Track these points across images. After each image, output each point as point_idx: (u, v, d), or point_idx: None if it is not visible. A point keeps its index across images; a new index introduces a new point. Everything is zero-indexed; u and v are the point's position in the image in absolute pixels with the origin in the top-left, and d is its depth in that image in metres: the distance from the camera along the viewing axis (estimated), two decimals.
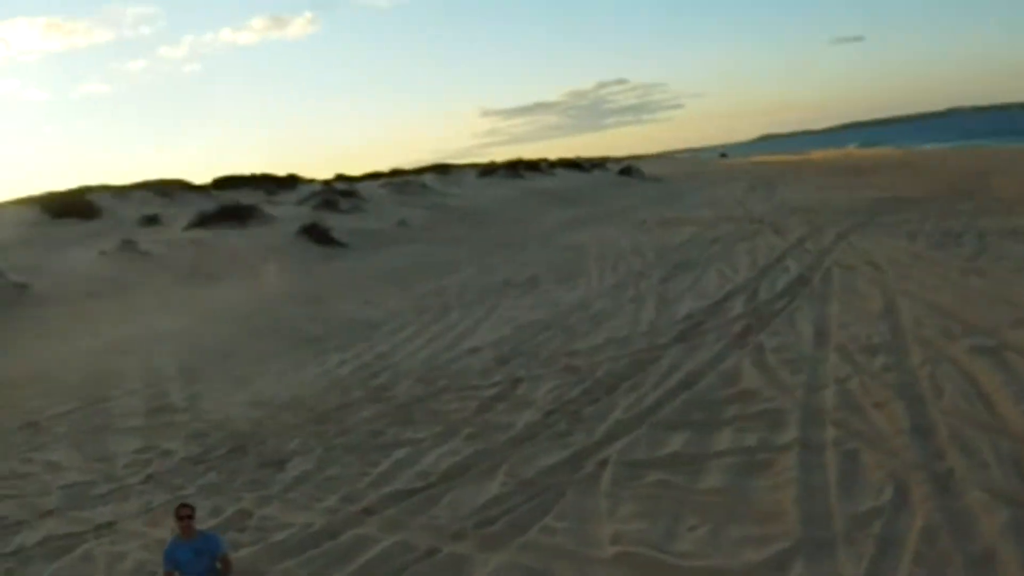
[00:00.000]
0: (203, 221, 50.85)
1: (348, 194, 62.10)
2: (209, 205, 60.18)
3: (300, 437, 17.32)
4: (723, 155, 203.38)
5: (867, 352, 17.48)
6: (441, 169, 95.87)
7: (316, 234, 47.65)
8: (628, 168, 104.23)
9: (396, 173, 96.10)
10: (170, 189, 69.99)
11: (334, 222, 52.64)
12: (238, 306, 34.84)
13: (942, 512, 10.77)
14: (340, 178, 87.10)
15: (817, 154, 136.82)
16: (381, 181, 77.96)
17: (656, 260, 33.69)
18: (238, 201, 58.51)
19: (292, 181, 78.68)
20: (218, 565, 9.74)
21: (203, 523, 12.99)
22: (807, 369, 16.97)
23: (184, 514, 9.58)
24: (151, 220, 57.22)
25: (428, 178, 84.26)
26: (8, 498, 15.65)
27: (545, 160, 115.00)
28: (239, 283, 40.25)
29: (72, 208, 58.57)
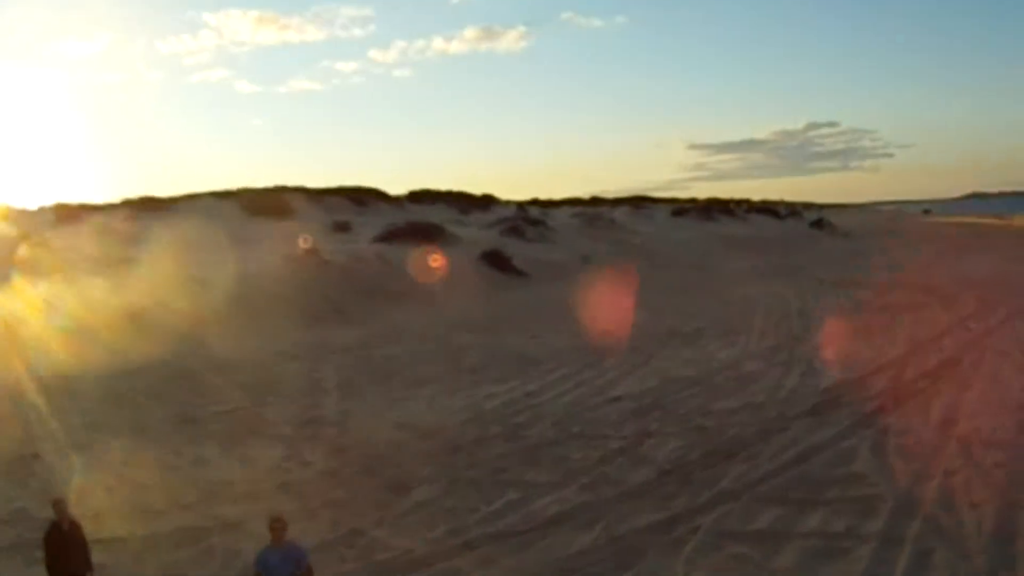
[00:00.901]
0: (390, 236, 53.07)
1: (537, 222, 63.68)
2: (400, 218, 62.68)
3: (431, 465, 18.62)
4: (926, 211, 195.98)
5: (986, 446, 17.55)
6: (637, 202, 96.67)
7: (498, 261, 49.24)
8: (820, 220, 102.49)
9: (594, 201, 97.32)
10: (365, 197, 73.03)
11: (518, 250, 54.15)
12: (410, 327, 36.74)
13: None
14: (535, 202, 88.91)
15: (1021, 219, 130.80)
16: (574, 210, 79.27)
17: (818, 324, 33.66)
18: (429, 218, 60.82)
19: (487, 201, 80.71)
20: (300, 573, 11.05)
21: (319, 536, 14.52)
22: (920, 458, 17.16)
23: (277, 526, 10.96)
24: (342, 227, 59.97)
25: (620, 212, 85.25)
26: (155, 487, 17.51)
27: (745, 201, 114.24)
28: (415, 304, 42.17)
29: (268, 208, 61.97)
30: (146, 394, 24.64)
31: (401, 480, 17.79)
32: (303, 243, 27.82)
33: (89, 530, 11.95)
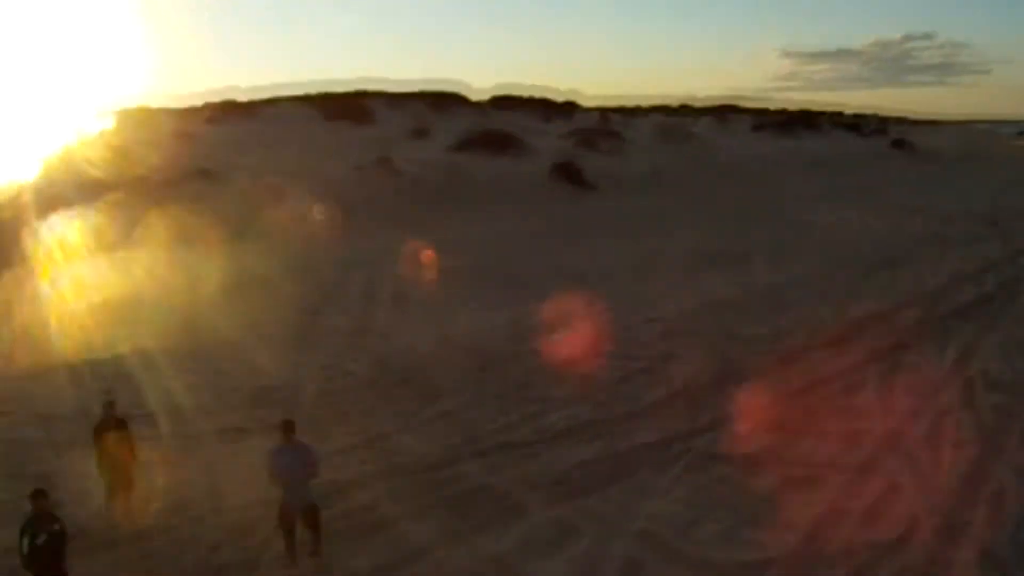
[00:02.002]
0: (465, 144, 53.94)
1: (612, 134, 63.92)
2: (479, 124, 63.32)
3: (462, 378, 20.02)
4: (1021, 133, 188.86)
5: (990, 388, 18.23)
6: (724, 111, 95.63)
7: (568, 173, 49.97)
8: (901, 141, 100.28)
9: (681, 109, 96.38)
10: (445, 102, 73.54)
11: (591, 162, 54.68)
12: (473, 238, 38.00)
13: (928, 560, 12.11)
14: (619, 110, 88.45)
15: None
16: (656, 119, 78.95)
17: (870, 251, 34.01)
18: (511, 124, 61.35)
19: (569, 108, 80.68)
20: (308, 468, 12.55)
21: (347, 440, 16.14)
22: (923, 396, 17.95)
23: (287, 427, 12.42)
24: (420, 133, 60.89)
25: (702, 124, 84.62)
26: (205, 390, 19.21)
27: (837, 114, 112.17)
28: (482, 214, 43.34)
29: (346, 112, 63.04)
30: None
31: (432, 391, 19.19)
32: (318, 215, 28.96)
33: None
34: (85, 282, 29.26)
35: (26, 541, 10.50)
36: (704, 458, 15.35)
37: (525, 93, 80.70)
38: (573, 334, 23.12)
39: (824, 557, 11.97)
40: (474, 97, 77.45)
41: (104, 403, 13.49)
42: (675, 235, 36.39)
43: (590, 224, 40.60)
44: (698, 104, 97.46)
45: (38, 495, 10.78)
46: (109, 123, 58.55)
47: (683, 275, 29.54)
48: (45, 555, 10.57)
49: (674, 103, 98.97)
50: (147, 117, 63.22)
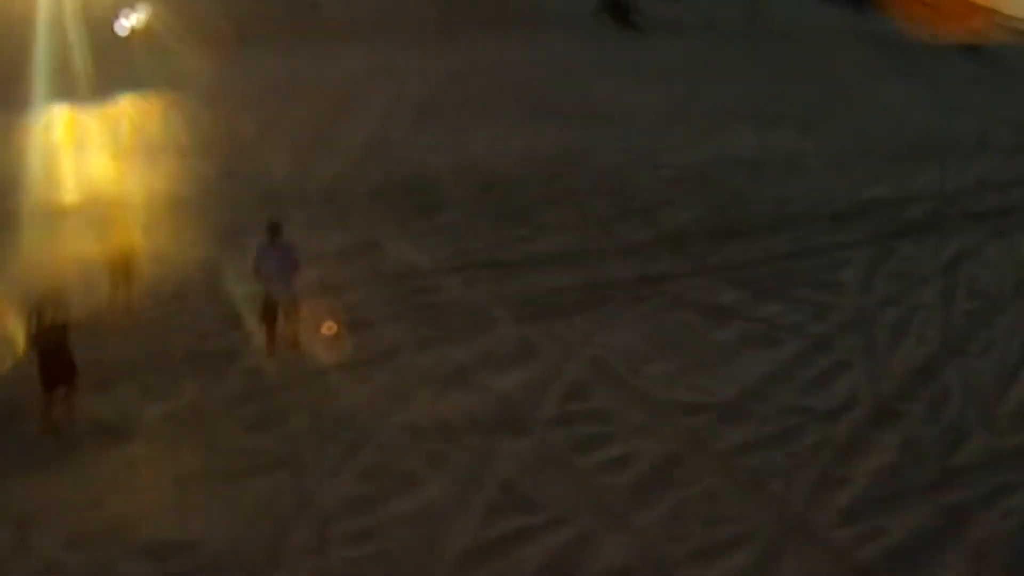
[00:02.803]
0: None
1: None
2: None
3: (466, 196, 20.58)
4: None
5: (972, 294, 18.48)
6: None
7: (617, 9, 49.09)
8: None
9: None
10: None
11: (645, 2, 53.39)
12: (510, 60, 37.87)
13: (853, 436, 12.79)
14: None
15: None
16: None
17: (906, 137, 32.94)
18: None
19: None
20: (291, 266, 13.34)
21: (341, 243, 17.16)
22: (907, 283, 18.25)
23: (272, 229, 13.18)
24: None
25: None
26: (214, 187, 19.89)
27: None
28: (524, 38, 42.97)
29: None
30: None
31: (433, 204, 19.86)
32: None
33: None
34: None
35: (33, 321, 11.24)
36: (674, 302, 15.95)
37: None
38: (585, 169, 23.47)
39: (759, 414, 12.49)
40: None
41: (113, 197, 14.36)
42: (714, 87, 36.00)
43: (630, 64, 40.17)
44: None
45: (49, 280, 11.78)
46: None
47: (709, 127, 29.51)
48: (52, 334, 11.36)
49: None
50: None
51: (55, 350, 11.35)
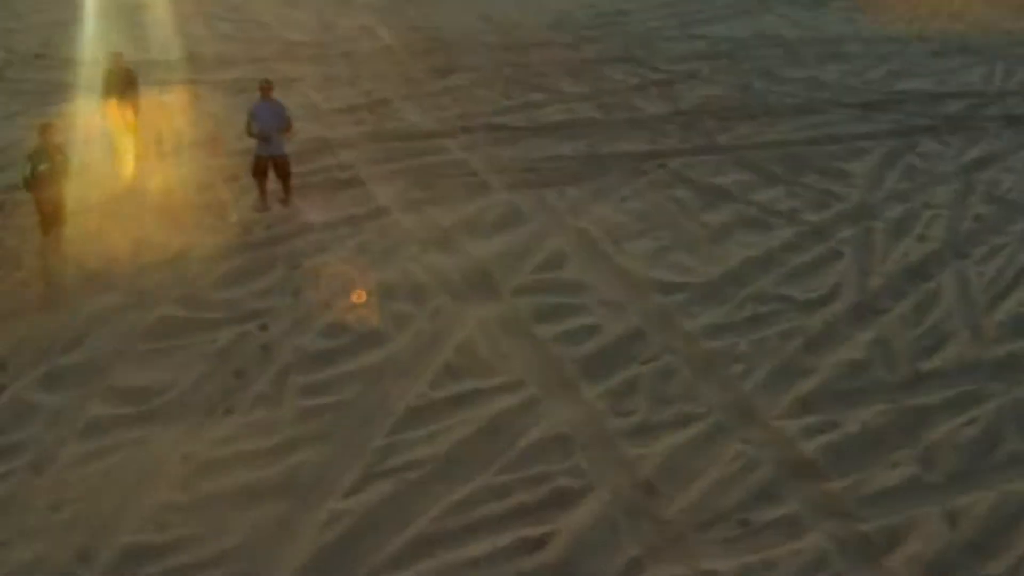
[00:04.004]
0: None
1: None
2: None
3: (483, 57, 20.41)
4: None
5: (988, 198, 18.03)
6: None
7: None
8: None
9: None
10: None
11: None
12: None
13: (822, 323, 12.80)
14: None
15: None
16: None
17: (958, 31, 31.97)
18: None
19: None
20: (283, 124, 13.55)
21: (350, 101, 17.25)
22: (922, 183, 17.92)
23: (265, 86, 13.42)
24: None
25: None
26: (236, 41, 19.78)
27: None
28: None
29: None
30: None
31: (448, 65, 19.74)
32: None
33: None
34: None
35: (30, 167, 11.50)
36: (673, 179, 15.86)
37: None
38: (614, 34, 23.09)
39: (736, 298, 12.54)
40: None
41: (110, 55, 14.46)
42: None
43: None
44: None
45: (47, 128, 11.88)
46: None
47: (752, 4, 28.76)
48: (46, 182, 11.75)
49: None
50: None
51: (52, 193, 11.75)
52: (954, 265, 14.25)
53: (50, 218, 11.76)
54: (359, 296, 11.53)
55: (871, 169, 17.24)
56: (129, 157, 14.35)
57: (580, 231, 13.69)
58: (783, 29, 25.57)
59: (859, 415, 10.57)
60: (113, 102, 14.23)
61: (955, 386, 11.24)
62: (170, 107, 16.12)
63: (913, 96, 21.81)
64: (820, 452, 9.89)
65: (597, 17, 24.24)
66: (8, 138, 14.01)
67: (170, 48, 19.13)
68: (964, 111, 21.13)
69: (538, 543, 8.24)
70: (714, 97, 19.91)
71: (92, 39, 19.94)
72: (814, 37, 25.56)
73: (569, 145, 16.33)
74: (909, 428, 10.45)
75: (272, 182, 13.39)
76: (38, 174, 11.55)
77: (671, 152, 16.86)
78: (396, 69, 18.58)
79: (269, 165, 13.28)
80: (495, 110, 17.50)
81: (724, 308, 12.27)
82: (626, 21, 24.23)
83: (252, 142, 13.77)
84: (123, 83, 14.36)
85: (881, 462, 9.79)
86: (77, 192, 12.78)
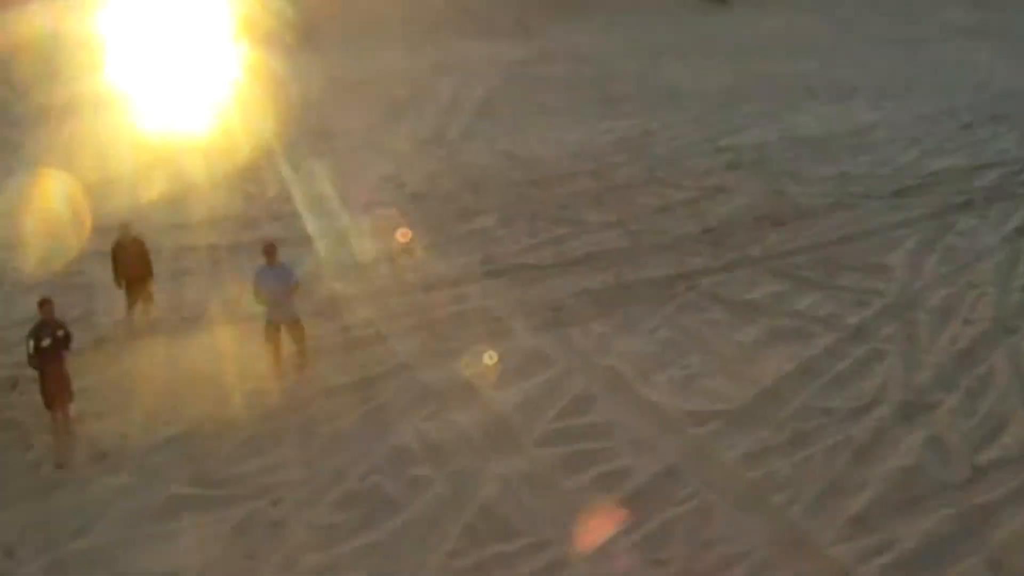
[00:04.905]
0: None
1: None
2: None
3: (507, 195, 20.37)
4: None
5: None
6: None
7: None
8: None
9: None
10: None
11: None
12: (580, 48, 37.40)
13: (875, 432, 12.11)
14: None
15: None
16: None
17: (983, 100, 31.47)
18: None
19: None
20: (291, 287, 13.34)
21: (370, 253, 17.32)
22: (959, 268, 17.31)
23: (269, 250, 13.17)
24: None
25: None
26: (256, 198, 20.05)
27: None
28: (598, 23, 42.38)
29: None
30: None
31: (473, 207, 19.64)
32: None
33: None
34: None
35: (32, 343, 11.49)
36: (704, 299, 15.42)
37: None
38: (638, 158, 22.95)
39: (774, 418, 11.96)
40: None
41: (120, 225, 14.46)
42: (792, 60, 34.90)
43: (706, 41, 39.28)
44: None
45: (45, 303, 11.93)
46: None
47: (778, 105, 28.56)
48: (48, 356, 11.72)
49: None
50: None
51: (54, 369, 11.73)
52: (1005, 343, 13.72)
53: (55, 394, 11.65)
54: (373, 463, 11.09)
55: (909, 258, 16.80)
56: (141, 329, 14.15)
57: (606, 369, 13.24)
58: (810, 127, 25.32)
59: (918, 525, 10.03)
60: (124, 277, 14.10)
61: (1017, 474, 10.73)
62: (186, 273, 15.95)
63: (946, 174, 21.37)
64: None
65: (620, 142, 24.17)
66: (28, 311, 13.83)
67: (190, 209, 19.19)
68: (999, 181, 20.63)
69: None
70: (743, 208, 19.53)
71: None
72: (842, 130, 25.25)
73: (595, 278, 16.01)
74: (973, 530, 9.92)
75: (286, 346, 13.00)
76: (40, 350, 11.39)
77: (700, 271, 16.46)
78: (419, 217, 18.54)
79: (281, 329, 12.95)
80: (519, 249, 17.29)
81: (763, 431, 11.71)
82: (649, 143, 24.14)
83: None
84: (134, 256, 14.23)
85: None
86: (84, 367, 12.59)
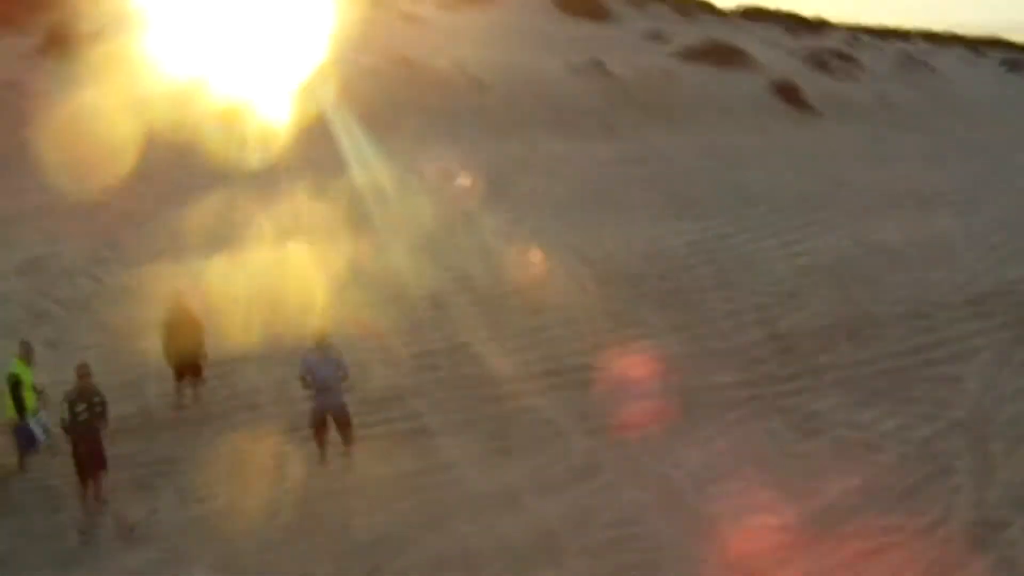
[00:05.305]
0: (689, 53, 52.59)
1: (846, 57, 60.68)
2: (722, 32, 61.27)
3: (571, 294, 20.09)
4: None
5: None
6: (978, 45, 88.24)
7: (787, 93, 48.06)
8: None
9: (940, 36, 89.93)
10: (687, 6, 71.34)
11: (818, 83, 52.20)
12: (666, 150, 37.40)
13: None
14: (871, 31, 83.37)
15: None
16: (899, 46, 74.29)
17: None
18: (757, 35, 59.30)
19: (819, 24, 76.98)
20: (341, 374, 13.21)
21: (430, 346, 17.22)
22: None
23: (319, 337, 13.34)
24: (655, 36, 59.52)
25: (950, 55, 78.78)
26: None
27: None
28: (687, 127, 42.45)
29: (582, 6, 62.14)
30: None
31: (536, 306, 19.40)
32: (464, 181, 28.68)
33: None
34: None
35: (67, 410, 11.43)
36: (765, 409, 14.95)
37: (775, 5, 77.45)
38: (708, 261, 22.61)
39: (832, 538, 11.45)
40: (723, 4, 75.15)
41: (172, 295, 14.47)
42: (874, 168, 34.46)
43: (790, 148, 39.04)
44: (960, 31, 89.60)
45: (83, 370, 11.96)
46: None
47: (857, 213, 28.05)
48: (82, 425, 11.71)
49: (938, 29, 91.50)
50: None
51: (89, 439, 11.69)
52: None
53: (87, 463, 11.66)
54: (405, 567, 10.74)
55: (983, 370, 16.24)
56: (186, 406, 14.05)
57: (660, 478, 12.82)
58: (887, 234, 24.71)
59: None
60: (173, 352, 14.02)
61: None
62: (240, 356, 15.92)
63: None
64: None
65: (693, 244, 23.85)
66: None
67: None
68: None
69: None
70: (814, 316, 19.07)
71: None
72: (919, 238, 24.61)
73: (657, 384, 15.59)
74: None
75: (331, 434, 12.79)
76: (75, 418, 11.30)
77: (765, 380, 16.03)
78: (481, 311, 18.34)
79: (328, 417, 12.75)
80: (579, 350, 17.00)
81: (819, 553, 11.06)
82: (724, 246, 23.77)
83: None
84: (186, 331, 14.15)
85: None
86: (125, 437, 12.51)
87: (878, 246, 24.26)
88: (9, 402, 13.01)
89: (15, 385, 12.88)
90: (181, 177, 25.63)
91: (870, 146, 39.50)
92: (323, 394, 12.95)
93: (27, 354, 13.29)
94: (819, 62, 56.49)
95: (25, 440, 12.99)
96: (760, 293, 20.39)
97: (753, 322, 18.67)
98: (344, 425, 13.09)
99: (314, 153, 29.82)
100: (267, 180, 27.48)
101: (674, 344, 17.49)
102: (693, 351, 17.21)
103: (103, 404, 11.88)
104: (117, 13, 35.92)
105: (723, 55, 51.34)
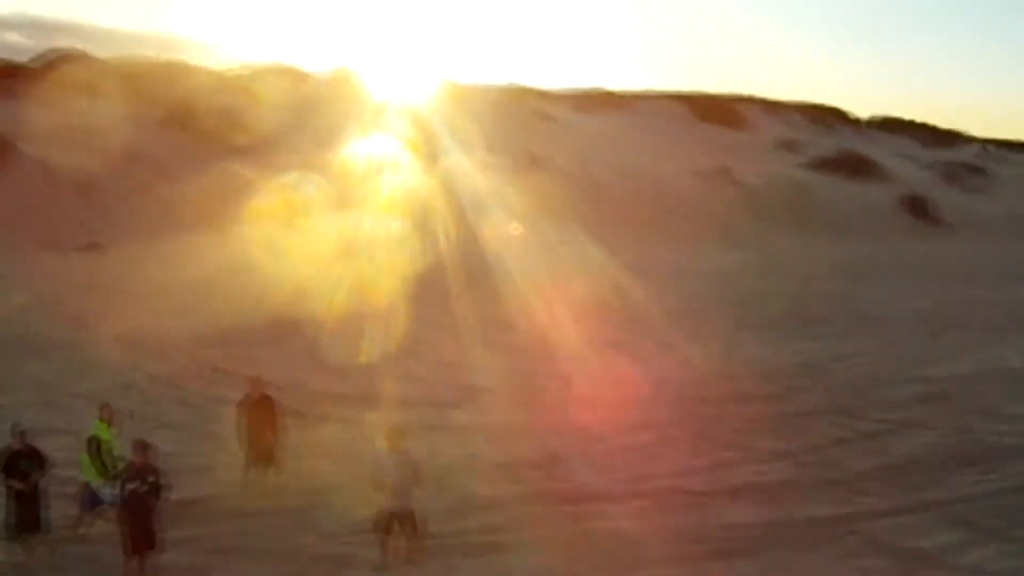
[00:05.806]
0: (820, 163, 52.51)
1: (978, 170, 59.53)
2: (856, 143, 60.87)
3: (677, 411, 19.92)
4: None
5: None
6: None
7: (916, 207, 47.39)
8: None
9: None
10: (824, 115, 71.28)
11: (949, 197, 51.40)
12: (789, 262, 36.96)
13: None
14: (1005, 143, 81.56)
15: None
16: None
17: None
18: (889, 147, 58.88)
19: (951, 137, 76.02)
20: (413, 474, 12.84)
21: (521, 455, 16.97)
22: None
23: (392, 435, 12.87)
24: (788, 146, 59.56)
25: None
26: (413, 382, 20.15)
27: None
28: (812, 237, 41.95)
29: (719, 115, 62.70)
30: None
31: (636, 420, 19.06)
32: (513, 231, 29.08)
33: None
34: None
35: (120, 484, 11.61)
36: (867, 545, 14.21)
37: (911, 117, 76.94)
38: (822, 383, 22.03)
39: None
40: (855, 113, 74.78)
41: (249, 379, 14.65)
42: (1002, 287, 33.38)
43: (918, 263, 38.20)
44: None
45: (143, 446, 11.78)
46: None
47: (981, 336, 27.17)
48: (136, 502, 11.53)
49: None
50: (519, 95, 65.98)
51: (141, 515, 11.50)
52: None
53: (136, 542, 11.41)
54: None
55: None
56: (256, 493, 14.05)
57: None
58: (1010, 359, 23.69)
59: None
60: (248, 435, 14.10)
61: None
62: (319, 444, 15.95)
63: None
64: None
65: (806, 365, 23.32)
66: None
67: (350, 380, 19.42)
68: None
69: None
70: (926, 445, 18.28)
71: (270, 359, 20.58)
72: None
73: (752, 511, 15.02)
74: None
75: (398, 538, 12.56)
76: (128, 492, 11.32)
77: (868, 514, 15.26)
78: (578, 421, 18.08)
79: (395, 521, 12.55)
80: (677, 471, 16.57)
81: None
82: (838, 368, 23.16)
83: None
84: (261, 412, 14.25)
85: None
86: (189, 517, 12.53)
87: (1001, 373, 23.36)
88: (87, 461, 13.08)
89: (96, 446, 12.99)
90: None
91: (998, 262, 38.27)
92: (393, 495, 12.65)
93: (108, 416, 13.45)
94: (951, 175, 55.69)
95: (89, 502, 13.04)
96: (871, 420, 19.76)
97: (862, 451, 17.95)
98: (411, 530, 12.71)
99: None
100: None
101: (777, 471, 16.94)
102: (797, 479, 16.60)
103: (158, 483, 11.77)
104: None
105: (854, 166, 51.19)
